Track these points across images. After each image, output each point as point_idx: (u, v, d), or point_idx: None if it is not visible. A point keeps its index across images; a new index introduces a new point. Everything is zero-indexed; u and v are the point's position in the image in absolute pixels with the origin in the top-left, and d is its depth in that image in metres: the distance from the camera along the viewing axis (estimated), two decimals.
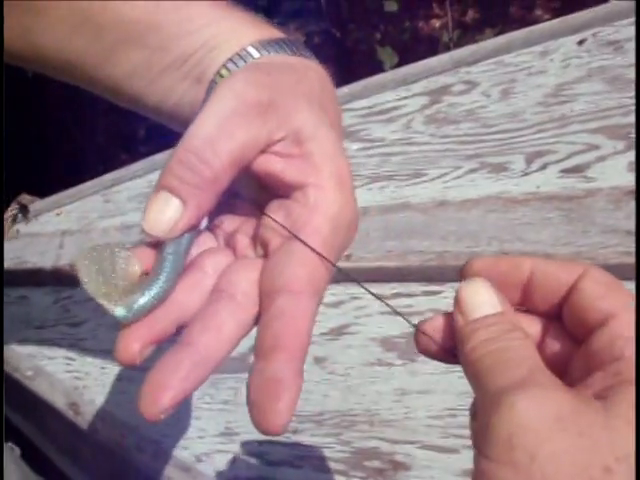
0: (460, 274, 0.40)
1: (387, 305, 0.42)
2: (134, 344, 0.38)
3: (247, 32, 0.46)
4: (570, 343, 0.37)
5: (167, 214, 0.39)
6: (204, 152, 0.38)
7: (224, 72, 0.44)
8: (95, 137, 2.27)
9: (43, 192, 1.34)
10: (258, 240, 0.43)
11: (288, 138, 0.41)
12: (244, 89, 0.41)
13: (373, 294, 0.43)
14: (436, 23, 2.25)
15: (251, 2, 0.50)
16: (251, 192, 0.45)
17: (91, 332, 1.04)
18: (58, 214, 1.26)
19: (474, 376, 0.35)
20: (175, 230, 0.39)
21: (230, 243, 0.45)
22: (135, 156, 1.37)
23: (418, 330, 0.40)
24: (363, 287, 0.43)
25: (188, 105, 0.47)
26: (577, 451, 0.29)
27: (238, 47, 0.44)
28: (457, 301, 0.37)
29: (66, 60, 0.48)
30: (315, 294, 0.39)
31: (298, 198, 0.41)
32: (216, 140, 0.39)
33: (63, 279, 1.13)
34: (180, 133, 0.41)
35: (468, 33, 1.91)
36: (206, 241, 0.45)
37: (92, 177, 1.29)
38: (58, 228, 1.21)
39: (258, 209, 0.43)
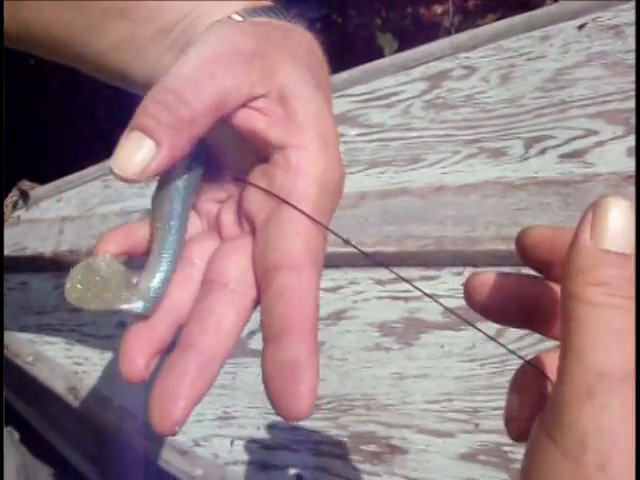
0: (516, 245, 0.37)
1: (416, 289, 0.41)
2: (138, 360, 0.37)
3: (232, 0, 0.44)
4: None
5: (139, 155, 0.37)
6: (183, 92, 0.37)
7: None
8: (96, 123, 2.26)
9: (44, 178, 1.34)
10: (243, 215, 0.41)
11: (271, 95, 0.40)
12: (230, 35, 0.40)
13: (402, 278, 0.41)
14: (438, 9, 2.24)
15: None
16: (232, 157, 0.44)
17: (91, 318, 1.04)
18: (58, 200, 1.26)
19: (576, 324, 0.29)
20: (146, 172, 0.37)
21: (215, 223, 0.44)
22: None
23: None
24: (392, 271, 0.42)
25: None
26: None
27: (222, 15, 0.43)
28: (593, 215, 0.30)
29: (53, 37, 0.48)
30: (315, 264, 0.37)
31: (280, 162, 0.39)
32: (197, 81, 0.37)
33: (63, 265, 1.13)
34: None
35: (469, 18, 1.90)
36: (193, 221, 0.44)
37: (93, 163, 1.30)
38: (58, 214, 1.21)
39: (240, 180, 0.42)
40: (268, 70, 0.39)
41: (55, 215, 1.21)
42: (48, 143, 2.19)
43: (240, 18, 0.43)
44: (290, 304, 0.36)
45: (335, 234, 0.40)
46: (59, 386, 0.96)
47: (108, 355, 0.98)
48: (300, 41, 0.44)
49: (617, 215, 0.30)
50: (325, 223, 0.39)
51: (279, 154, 0.39)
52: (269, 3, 0.46)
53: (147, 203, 1.12)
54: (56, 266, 1.14)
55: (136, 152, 0.37)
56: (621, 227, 0.30)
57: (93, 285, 0.39)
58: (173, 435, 0.35)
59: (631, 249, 0.29)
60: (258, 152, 0.41)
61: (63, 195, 1.26)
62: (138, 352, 0.37)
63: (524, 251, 0.37)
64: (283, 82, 0.40)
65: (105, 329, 1.01)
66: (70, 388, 0.95)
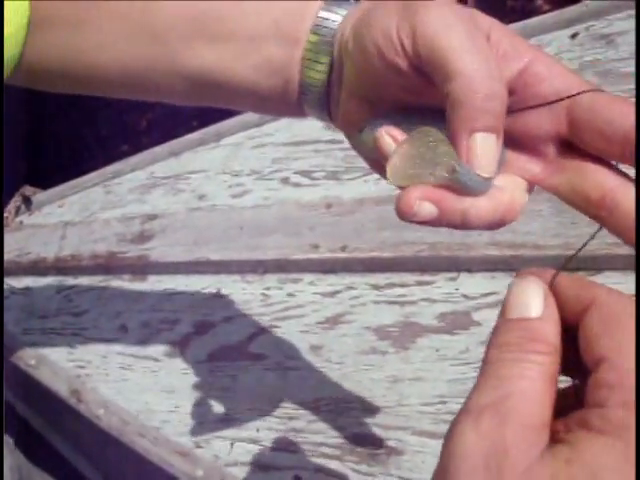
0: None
1: None
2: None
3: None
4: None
5: (493, 152, 0.38)
6: (496, 76, 0.37)
7: (313, 38, 0.44)
8: (97, 129, 2.28)
9: (46, 184, 1.36)
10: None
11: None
12: (450, 9, 0.39)
13: None
14: None
15: None
16: None
17: (93, 321, 1.06)
18: (60, 206, 1.28)
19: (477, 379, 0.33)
20: (497, 165, 0.38)
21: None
22: (137, 147, 1.39)
23: None
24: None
25: (281, 83, 0.47)
26: None
27: (313, 12, 0.44)
28: (505, 297, 0.35)
29: (131, 71, 0.48)
30: None
31: (528, 80, 0.39)
32: (490, 61, 0.37)
33: (66, 269, 1.15)
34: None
35: None
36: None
37: (94, 169, 1.32)
38: (60, 219, 1.23)
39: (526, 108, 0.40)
40: (476, 19, 0.40)
41: (57, 220, 1.23)
42: (50, 149, 2.21)
43: (346, 9, 0.44)
44: None
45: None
46: (62, 389, 0.98)
47: (110, 358, 1.00)
48: None
49: (518, 290, 0.34)
50: None
51: (522, 78, 0.39)
52: None
53: (147, 208, 1.14)
54: (58, 270, 1.15)
55: (491, 149, 0.37)
56: (521, 298, 0.34)
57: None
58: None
59: (539, 312, 0.33)
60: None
61: (65, 200, 1.28)
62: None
63: None
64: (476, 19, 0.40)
65: (107, 332, 1.03)
66: (73, 391, 0.97)
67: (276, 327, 0.89)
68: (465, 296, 0.79)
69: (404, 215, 0.38)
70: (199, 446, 0.84)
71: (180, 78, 0.48)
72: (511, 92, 0.39)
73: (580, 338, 0.32)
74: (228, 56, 0.46)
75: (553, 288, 0.34)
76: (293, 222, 0.94)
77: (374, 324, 0.82)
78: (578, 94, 0.38)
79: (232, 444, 0.82)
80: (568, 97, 0.38)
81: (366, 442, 0.75)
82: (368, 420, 0.76)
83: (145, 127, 2.25)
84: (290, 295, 0.91)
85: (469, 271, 0.80)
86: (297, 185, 1.02)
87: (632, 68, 0.87)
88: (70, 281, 1.14)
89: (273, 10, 0.45)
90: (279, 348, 0.87)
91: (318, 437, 0.78)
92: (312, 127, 1.04)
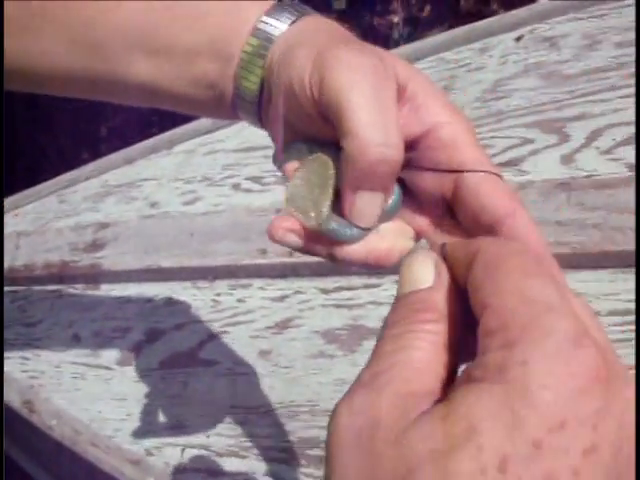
0: None
1: None
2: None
3: (248, 11, 0.45)
4: None
5: (375, 209, 0.40)
6: (391, 139, 0.37)
7: (245, 56, 0.44)
8: (57, 137, 2.26)
9: (6, 193, 1.35)
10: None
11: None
12: (358, 62, 0.39)
13: None
14: (394, 18, 2.27)
15: None
16: None
17: (46, 331, 1.05)
18: (15, 215, 1.27)
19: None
20: (376, 219, 0.40)
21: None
22: (97, 155, 1.39)
23: None
24: None
25: (216, 96, 0.47)
26: (362, 468, 0.27)
27: (247, 28, 0.44)
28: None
29: (75, 78, 0.49)
30: (522, 204, 0.39)
31: (433, 144, 0.40)
32: (387, 122, 0.38)
33: (19, 280, 1.14)
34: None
35: (418, 30, 1.92)
36: None
37: (54, 177, 1.31)
38: (14, 229, 1.22)
39: (414, 167, 0.42)
40: (391, 70, 0.40)
41: (11, 230, 1.22)
42: (9, 158, 2.20)
43: (284, 26, 0.44)
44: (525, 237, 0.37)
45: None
46: (15, 400, 0.98)
47: (63, 367, 1.00)
48: (342, 30, 0.45)
49: (405, 267, 0.34)
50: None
51: (426, 139, 0.40)
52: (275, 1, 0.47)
53: (100, 217, 1.13)
54: (12, 281, 1.15)
55: (373, 206, 0.39)
56: (409, 273, 0.33)
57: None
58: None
59: (429, 282, 0.32)
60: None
61: (20, 210, 1.27)
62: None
63: None
64: (397, 71, 0.41)
65: (60, 343, 1.03)
66: (25, 402, 0.97)
67: (226, 333, 0.89)
68: None
69: (270, 238, 0.41)
70: (150, 454, 0.84)
71: (122, 87, 0.49)
72: (413, 147, 0.40)
73: (469, 293, 0.30)
74: (165, 70, 0.47)
75: (445, 256, 0.34)
76: (243, 228, 0.94)
77: (322, 328, 0.83)
78: (463, 171, 0.39)
79: (183, 451, 0.82)
80: (455, 171, 0.39)
81: (315, 445, 0.75)
82: (317, 423, 0.77)
83: (105, 135, 2.24)
84: (240, 301, 0.91)
85: None
86: (248, 191, 1.02)
87: (574, 70, 0.89)
88: (23, 292, 1.13)
89: (209, 26, 0.45)
90: (229, 354, 0.87)
91: (267, 441, 0.78)
92: (262, 133, 1.03)
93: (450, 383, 0.29)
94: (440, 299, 0.31)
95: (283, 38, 0.43)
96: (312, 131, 0.42)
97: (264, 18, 0.44)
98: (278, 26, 0.44)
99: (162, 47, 0.46)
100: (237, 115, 0.49)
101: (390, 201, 0.41)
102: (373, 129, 0.37)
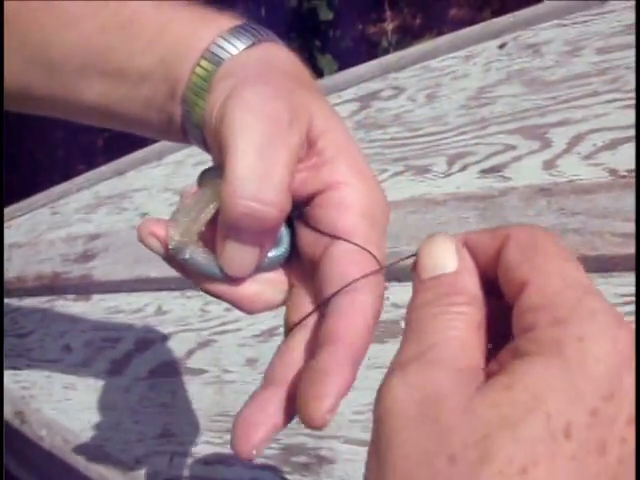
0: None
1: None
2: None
3: (202, 33, 0.44)
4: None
5: (246, 260, 0.38)
6: (264, 195, 0.36)
7: (195, 78, 0.43)
8: (53, 149, 2.27)
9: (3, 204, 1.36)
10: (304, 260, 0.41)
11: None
12: (261, 106, 0.37)
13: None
14: (389, 26, 2.28)
15: None
16: None
17: (38, 342, 1.06)
18: (8, 227, 1.28)
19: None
20: (254, 268, 0.39)
21: None
22: (93, 167, 1.39)
23: None
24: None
25: (166, 119, 0.46)
26: (428, 439, 0.27)
27: (197, 53, 0.43)
28: (416, 258, 0.34)
29: (32, 96, 0.49)
30: (374, 287, 0.37)
31: (322, 203, 0.39)
32: (266, 174, 0.36)
33: (11, 291, 1.15)
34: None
35: (407, 38, 1.93)
36: None
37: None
38: (6, 241, 1.23)
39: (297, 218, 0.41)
40: (302, 120, 0.38)
41: (4, 242, 1.23)
42: (6, 170, 2.20)
43: (236, 51, 0.42)
44: (339, 318, 0.35)
45: (377, 263, 0.39)
46: (6, 411, 0.98)
47: (54, 378, 1.00)
48: (292, 67, 0.43)
49: (427, 250, 0.34)
50: (376, 252, 0.38)
51: (320, 196, 0.39)
52: (236, 22, 0.45)
53: (91, 228, 1.14)
54: (4, 293, 1.15)
55: (243, 257, 0.38)
56: (432, 257, 0.33)
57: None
58: (250, 460, 0.34)
59: (453, 267, 0.33)
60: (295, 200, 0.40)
61: (13, 222, 1.28)
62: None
63: None
64: (313, 122, 0.39)
65: (51, 353, 1.03)
66: (16, 412, 0.97)
67: (214, 341, 0.90)
68: (395, 305, 0.80)
69: (138, 237, 0.39)
70: (139, 462, 0.84)
71: (78, 107, 0.49)
72: (309, 202, 0.39)
73: (500, 272, 0.32)
74: (119, 91, 0.46)
75: (465, 243, 0.34)
76: None
77: None
78: (339, 238, 0.37)
79: (171, 459, 0.83)
80: (331, 236, 0.38)
81: (299, 452, 0.76)
82: (301, 430, 0.77)
83: (102, 146, 2.25)
84: (227, 310, 0.92)
85: (399, 280, 0.81)
86: None
87: (556, 76, 0.90)
88: (15, 303, 1.14)
89: (160, 49, 0.45)
90: (217, 362, 0.88)
91: None
92: None
93: (487, 360, 0.31)
94: (468, 282, 0.33)
95: (230, 63, 0.42)
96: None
97: (218, 41, 0.43)
98: (230, 51, 0.42)
99: (115, 69, 0.46)
100: (188, 139, 0.48)
101: (275, 251, 0.40)
102: (248, 181, 0.36)
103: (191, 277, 0.40)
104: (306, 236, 0.40)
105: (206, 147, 0.46)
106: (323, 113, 0.40)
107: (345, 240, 0.37)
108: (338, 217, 0.38)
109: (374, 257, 0.37)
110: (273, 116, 0.37)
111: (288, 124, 0.37)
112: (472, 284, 0.33)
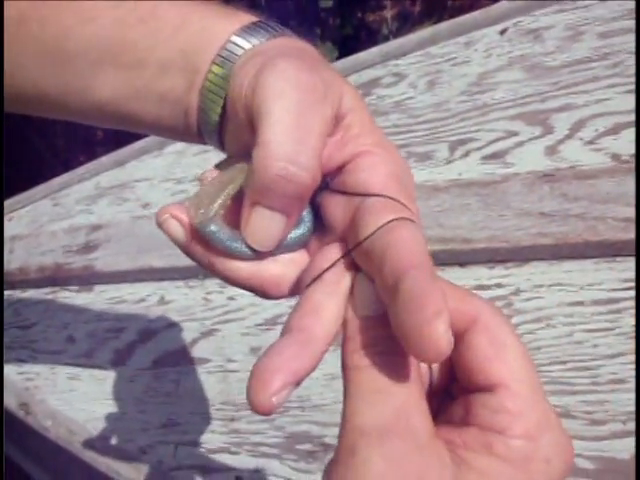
0: None
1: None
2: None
3: (223, 26, 0.44)
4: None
5: (272, 231, 0.37)
6: (298, 157, 0.35)
7: (215, 69, 0.42)
8: (53, 140, 2.27)
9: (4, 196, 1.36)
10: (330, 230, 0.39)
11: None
12: (296, 76, 0.37)
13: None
14: (389, 13, 2.27)
15: None
16: None
17: (41, 334, 1.06)
18: (9, 219, 1.28)
19: (346, 387, 0.32)
20: (278, 242, 0.38)
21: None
22: (93, 158, 1.39)
23: None
24: None
25: (182, 114, 0.46)
26: None
27: (218, 44, 0.43)
28: (352, 291, 0.34)
29: (44, 94, 0.48)
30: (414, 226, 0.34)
31: (350, 169, 0.38)
32: (302, 139, 0.36)
33: (14, 283, 1.15)
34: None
35: (408, 25, 1.93)
36: None
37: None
38: (8, 233, 1.23)
39: (328, 189, 0.39)
40: (333, 94, 0.38)
41: (6, 234, 1.23)
42: (6, 162, 2.20)
43: (237, 46, 0.42)
44: (397, 250, 0.32)
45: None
46: (11, 403, 0.99)
47: (58, 369, 1.00)
48: (314, 51, 0.43)
49: (367, 284, 0.33)
50: (409, 204, 0.37)
51: (348, 165, 0.39)
52: (255, 18, 0.45)
53: (93, 219, 1.14)
54: (7, 285, 1.15)
55: (270, 227, 0.37)
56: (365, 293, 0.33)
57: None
58: (270, 413, 0.31)
59: (375, 311, 0.32)
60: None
61: (14, 214, 1.28)
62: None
63: None
64: (341, 99, 0.39)
65: (55, 344, 1.04)
66: (21, 404, 0.97)
67: (217, 331, 0.90)
68: None
69: (156, 222, 0.39)
70: (144, 452, 0.84)
71: (88, 103, 0.48)
72: (338, 172, 0.39)
73: (467, 355, 0.32)
74: (135, 85, 0.46)
75: None
76: None
77: None
78: (369, 195, 0.36)
79: (176, 448, 0.83)
80: (361, 195, 0.37)
81: (304, 440, 0.76)
82: (306, 418, 0.77)
83: (101, 138, 2.25)
84: (230, 299, 0.92)
85: None
86: None
87: (557, 62, 0.90)
88: (18, 294, 1.14)
89: (180, 39, 0.44)
90: (220, 351, 0.88)
91: (258, 437, 0.79)
92: None
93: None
94: None
95: (246, 56, 0.42)
96: (245, 142, 0.40)
97: (240, 33, 0.43)
98: (252, 41, 0.42)
99: (134, 61, 0.45)
100: (200, 135, 0.47)
101: (296, 230, 0.39)
102: (284, 144, 0.35)
103: (212, 260, 0.39)
104: (334, 207, 0.39)
105: (221, 144, 0.46)
106: (352, 93, 0.40)
107: (377, 195, 0.36)
108: (369, 178, 0.37)
109: (406, 207, 0.36)
110: (309, 86, 0.37)
111: (323, 95, 0.37)
112: None
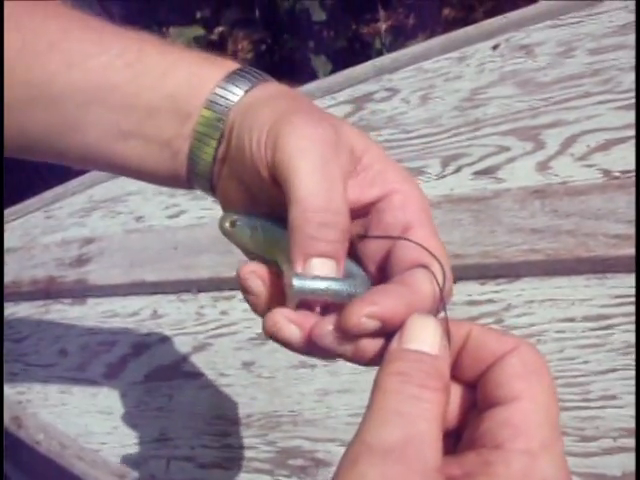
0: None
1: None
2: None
3: (210, 72, 0.46)
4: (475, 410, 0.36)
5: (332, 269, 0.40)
6: (330, 204, 0.39)
7: (206, 113, 0.45)
8: None
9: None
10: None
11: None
12: (314, 132, 0.40)
13: None
14: (382, 26, 2.28)
15: (192, 13, 0.51)
16: None
17: (33, 347, 1.06)
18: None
19: (370, 406, 0.33)
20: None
21: None
22: (87, 170, 1.39)
23: None
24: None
25: (169, 157, 0.47)
26: None
27: (208, 89, 0.45)
28: (402, 327, 0.35)
29: (30, 137, 0.49)
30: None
31: (384, 208, 0.42)
32: (330, 188, 0.39)
33: (6, 296, 1.15)
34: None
35: (402, 38, 1.93)
36: None
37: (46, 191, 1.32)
38: None
39: (362, 236, 0.44)
40: (345, 140, 0.42)
41: None
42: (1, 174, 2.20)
43: (245, 87, 0.45)
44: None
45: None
46: (4, 416, 0.98)
47: (50, 382, 1.00)
48: (299, 95, 0.47)
49: (419, 324, 0.35)
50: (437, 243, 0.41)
51: (380, 203, 0.42)
52: (239, 65, 0.47)
53: (86, 232, 1.14)
54: None
55: (325, 273, 0.39)
56: (423, 333, 0.34)
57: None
58: (355, 331, 0.35)
59: (437, 350, 0.34)
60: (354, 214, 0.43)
61: (7, 226, 1.28)
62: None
63: None
64: (352, 142, 0.42)
65: (47, 357, 1.03)
66: (13, 418, 0.97)
67: (210, 345, 0.90)
68: None
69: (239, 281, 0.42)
70: (135, 466, 0.84)
71: (73, 146, 0.48)
72: (366, 214, 0.43)
73: (497, 370, 0.34)
74: (122, 129, 0.47)
75: (466, 339, 0.36)
76: (225, 241, 0.94)
77: None
78: (403, 239, 0.40)
79: (168, 463, 0.83)
80: (397, 238, 0.40)
81: (296, 455, 0.76)
82: (298, 433, 0.77)
83: None
84: (223, 313, 0.92)
85: None
86: None
87: (548, 78, 0.90)
88: (11, 307, 1.14)
89: (169, 84, 0.46)
90: (213, 366, 0.88)
91: (250, 452, 0.79)
92: None
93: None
94: (446, 370, 0.34)
95: (243, 103, 0.44)
96: (264, 194, 0.43)
97: (222, 84, 0.45)
98: (236, 92, 0.45)
99: (121, 104, 0.46)
100: (189, 181, 0.48)
101: (355, 282, 0.40)
102: (317, 196, 0.38)
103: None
104: (368, 251, 0.43)
105: (211, 189, 0.48)
106: (355, 133, 0.43)
107: (406, 239, 0.40)
108: (405, 215, 0.41)
109: (431, 254, 0.39)
110: (326, 139, 0.40)
111: (337, 144, 0.41)
112: (448, 373, 0.34)
